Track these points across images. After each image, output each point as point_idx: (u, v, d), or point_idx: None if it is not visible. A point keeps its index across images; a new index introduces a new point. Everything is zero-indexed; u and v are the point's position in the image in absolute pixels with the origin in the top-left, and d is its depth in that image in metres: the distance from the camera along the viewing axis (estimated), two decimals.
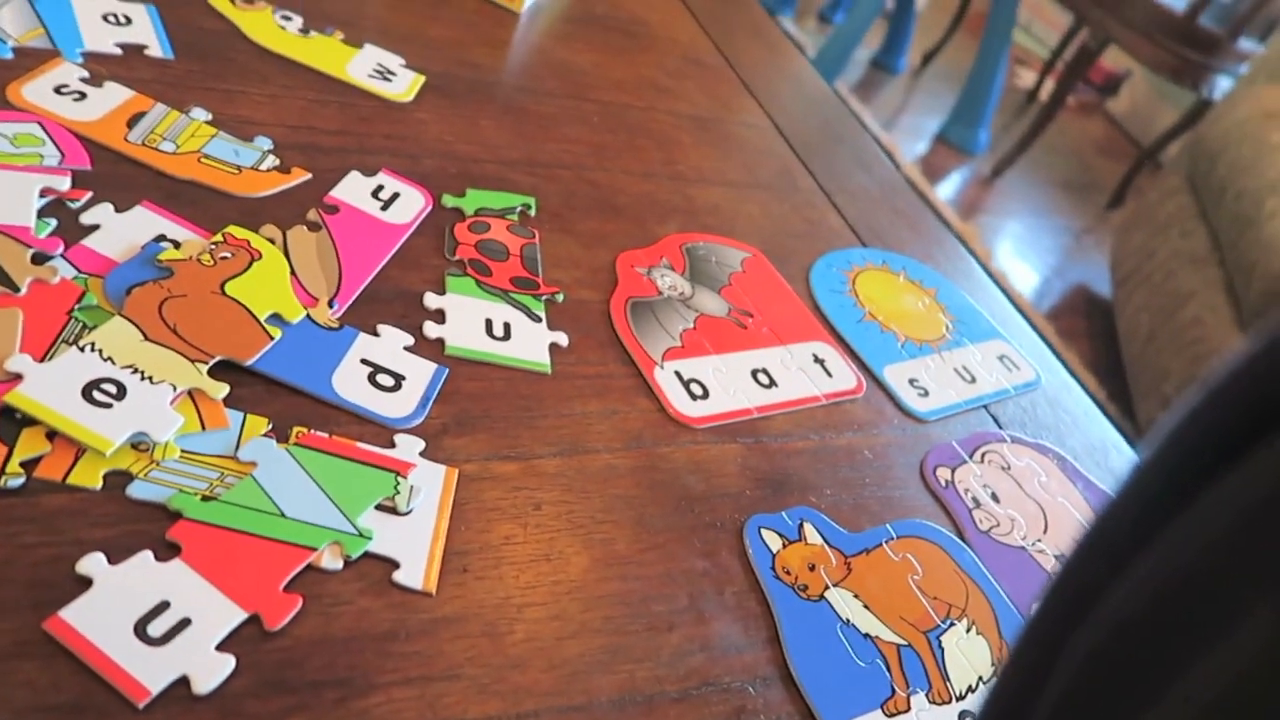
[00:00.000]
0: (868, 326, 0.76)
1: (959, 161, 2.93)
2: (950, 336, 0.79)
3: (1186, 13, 2.49)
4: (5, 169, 0.54)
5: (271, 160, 0.64)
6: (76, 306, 0.49)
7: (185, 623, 0.40)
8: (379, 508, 0.48)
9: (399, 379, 0.55)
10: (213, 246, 0.56)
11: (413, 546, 0.47)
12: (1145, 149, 2.96)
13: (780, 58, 1.12)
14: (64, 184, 0.55)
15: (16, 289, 0.48)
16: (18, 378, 0.45)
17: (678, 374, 0.64)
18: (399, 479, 0.49)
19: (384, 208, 0.65)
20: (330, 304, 0.57)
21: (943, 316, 0.81)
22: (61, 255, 0.52)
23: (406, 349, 0.57)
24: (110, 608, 0.39)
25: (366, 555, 0.46)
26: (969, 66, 2.86)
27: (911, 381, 0.73)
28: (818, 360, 0.70)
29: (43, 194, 0.54)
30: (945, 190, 2.79)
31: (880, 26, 3.22)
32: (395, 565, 0.46)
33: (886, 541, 0.60)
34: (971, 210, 2.76)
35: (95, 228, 0.55)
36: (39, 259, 0.51)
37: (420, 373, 0.56)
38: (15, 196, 0.53)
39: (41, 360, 0.46)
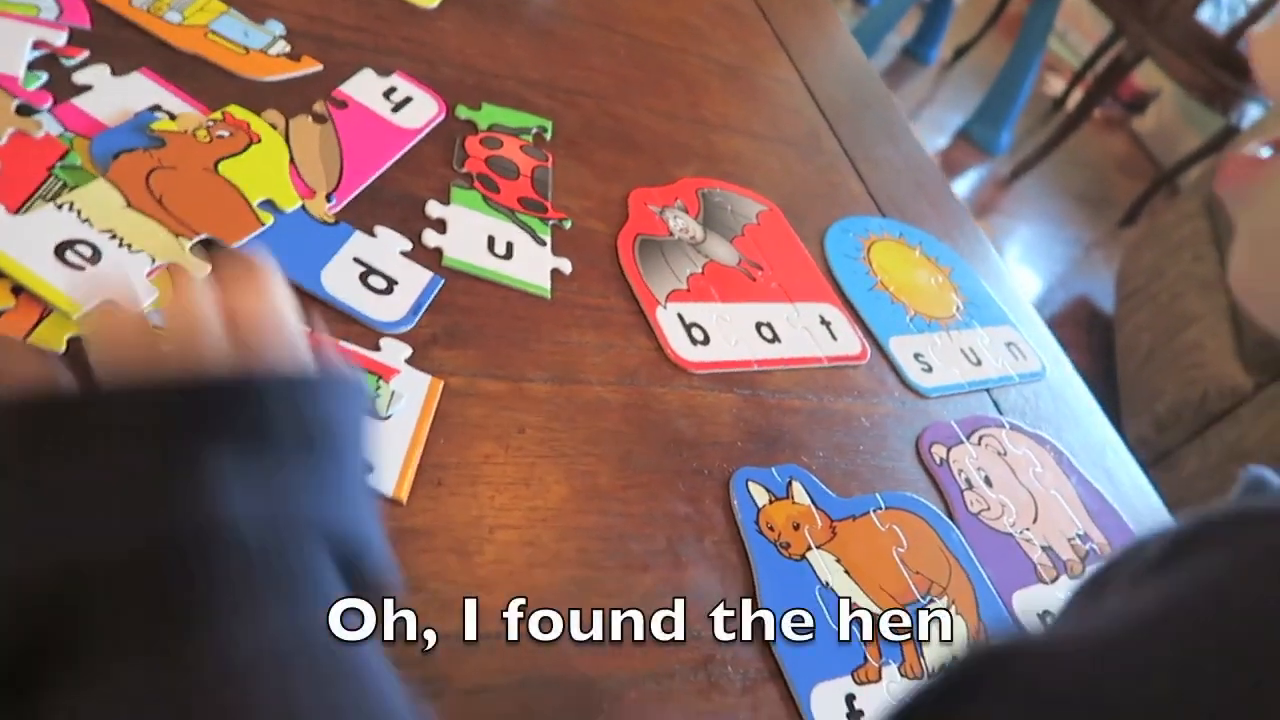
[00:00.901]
0: (878, 296, 0.74)
1: (978, 160, 2.90)
2: (960, 317, 0.77)
3: (1227, 35, 2.45)
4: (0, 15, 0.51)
5: (282, 46, 0.61)
6: (58, 164, 0.47)
7: None
8: None
9: (391, 283, 0.53)
10: (210, 124, 0.53)
11: (387, 452, 0.45)
12: (1165, 170, 2.93)
13: (817, 18, 1.08)
14: (59, 39, 0.52)
15: None
16: None
17: (680, 316, 0.62)
18: (380, 382, 0.47)
19: (395, 110, 0.63)
20: (328, 198, 0.54)
21: (955, 296, 0.79)
22: (49, 110, 0.49)
23: (403, 254, 0.54)
24: None
25: None
26: (1000, 66, 2.82)
27: (916, 356, 0.71)
28: (824, 322, 0.68)
29: (36, 46, 0.51)
30: (961, 187, 2.76)
31: (915, 15, 3.17)
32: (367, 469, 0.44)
33: (874, 510, 0.58)
34: (985, 210, 2.73)
35: (88, 88, 0.52)
36: (24, 110, 0.48)
37: (414, 279, 0.53)
38: (5, 44, 0.50)
39: (15, 213, 0.43)
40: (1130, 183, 3.21)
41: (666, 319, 0.61)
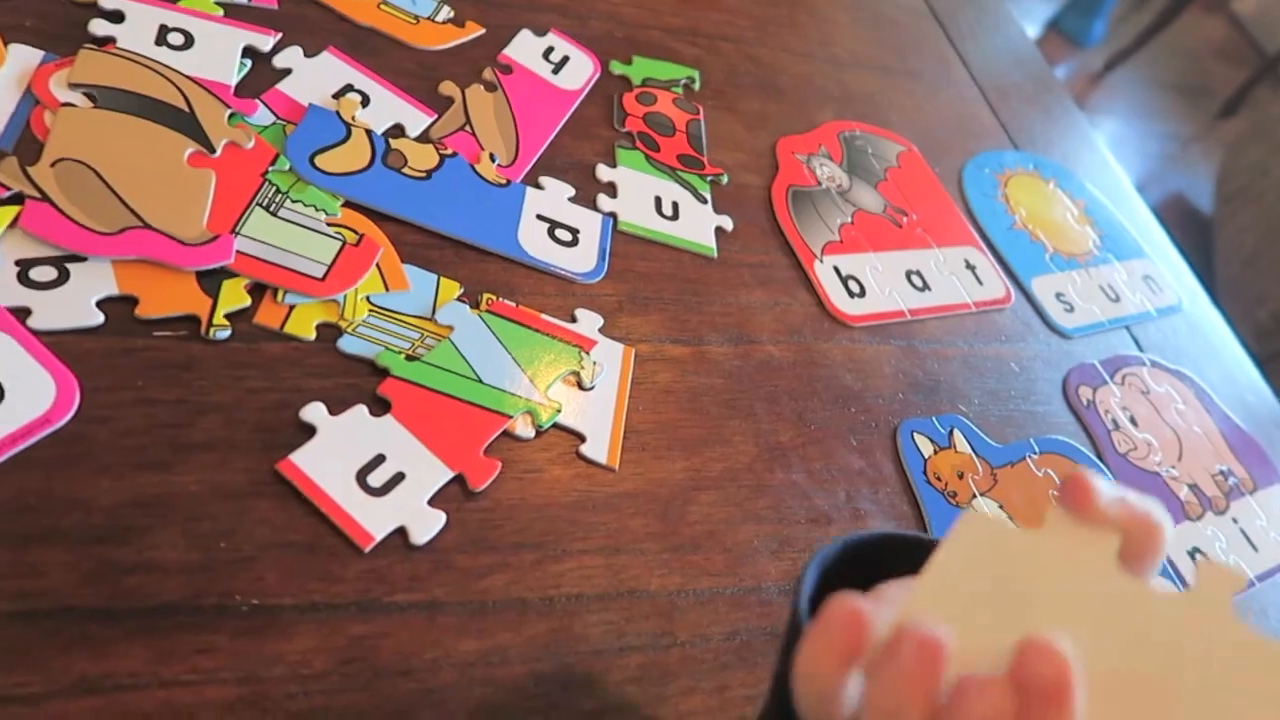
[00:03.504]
0: (1017, 235, 0.75)
1: (1069, 53, 2.78)
2: (1097, 252, 0.78)
3: None
4: (210, 19, 0.53)
5: (446, 11, 0.63)
6: (270, 169, 0.49)
7: (400, 476, 0.42)
8: (563, 380, 0.49)
9: (574, 232, 0.55)
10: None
11: (596, 421, 0.48)
12: (1270, 57, 2.79)
13: None
14: (268, 44, 0.54)
15: (212, 150, 0.48)
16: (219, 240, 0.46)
17: (836, 269, 0.64)
18: (583, 354, 0.50)
19: (555, 71, 0.64)
20: (506, 164, 0.57)
21: (1090, 230, 0.79)
22: (259, 98, 0.52)
23: (570, 200, 0.57)
24: (334, 456, 0.41)
25: (555, 426, 0.47)
26: None
27: (1058, 296, 0.72)
28: (969, 266, 0.69)
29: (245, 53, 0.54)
30: None
31: None
32: (581, 438, 0.48)
33: (1030, 456, 0.60)
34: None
35: (287, 72, 0.54)
36: (233, 118, 0.51)
37: (589, 224, 0.56)
38: (220, 52, 0.52)
39: (235, 227, 0.46)
40: (1230, 70, 3.06)
41: (824, 273, 0.63)
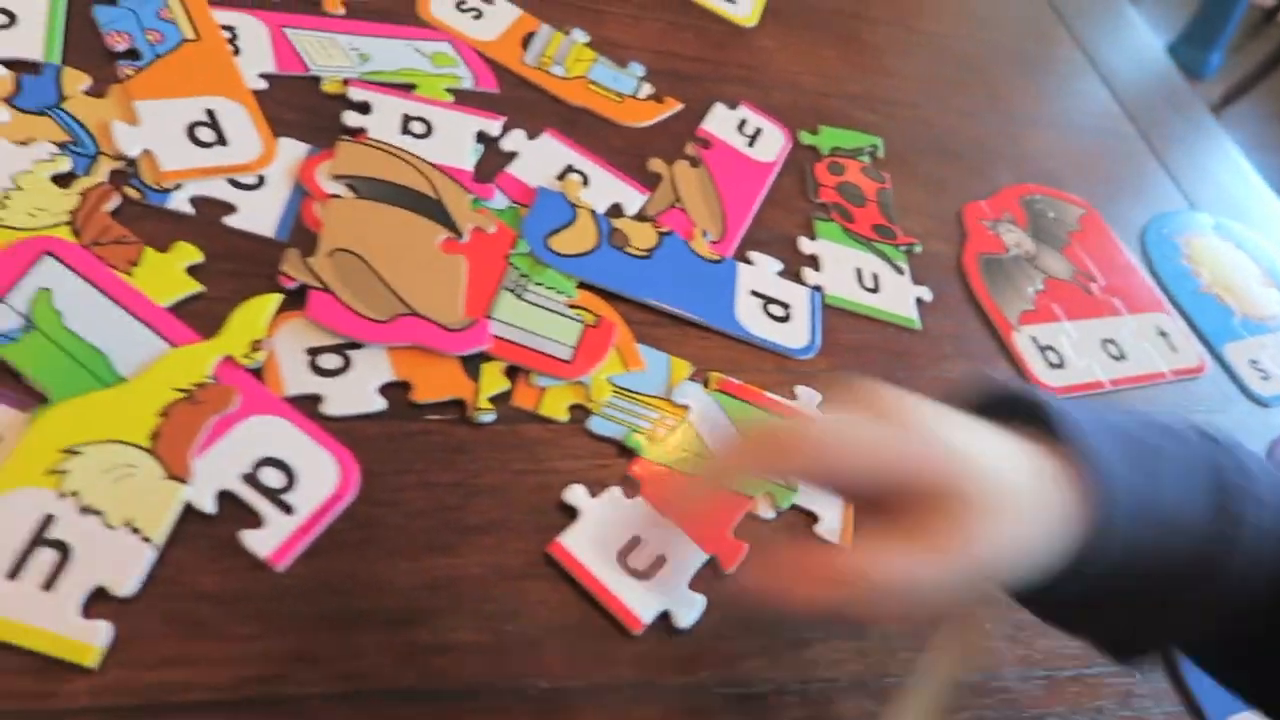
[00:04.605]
0: (1205, 299, 0.74)
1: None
2: None
3: None
4: (444, 107, 0.56)
5: (646, 88, 0.65)
6: (511, 252, 0.52)
7: (659, 560, 0.43)
8: None
9: (786, 307, 0.57)
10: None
11: (826, 501, 0.49)
12: None
13: None
14: (496, 128, 0.57)
15: (460, 235, 0.51)
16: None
17: (1034, 339, 0.63)
18: None
19: (750, 143, 0.66)
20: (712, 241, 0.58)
21: (1276, 292, 0.78)
22: (493, 182, 0.54)
23: (778, 274, 0.58)
24: (597, 538, 0.43)
25: (792, 506, 0.48)
26: None
27: (1252, 363, 0.70)
28: (1161, 333, 0.69)
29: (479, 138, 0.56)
30: None
31: None
32: (815, 518, 0.48)
33: None
34: None
35: (514, 155, 0.57)
36: (475, 203, 0.53)
37: (799, 299, 0.58)
38: (455, 138, 0.55)
39: (488, 311, 0.48)
40: None
41: (1023, 343, 0.63)
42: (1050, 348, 0.63)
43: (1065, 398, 0.55)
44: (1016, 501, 0.32)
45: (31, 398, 0.38)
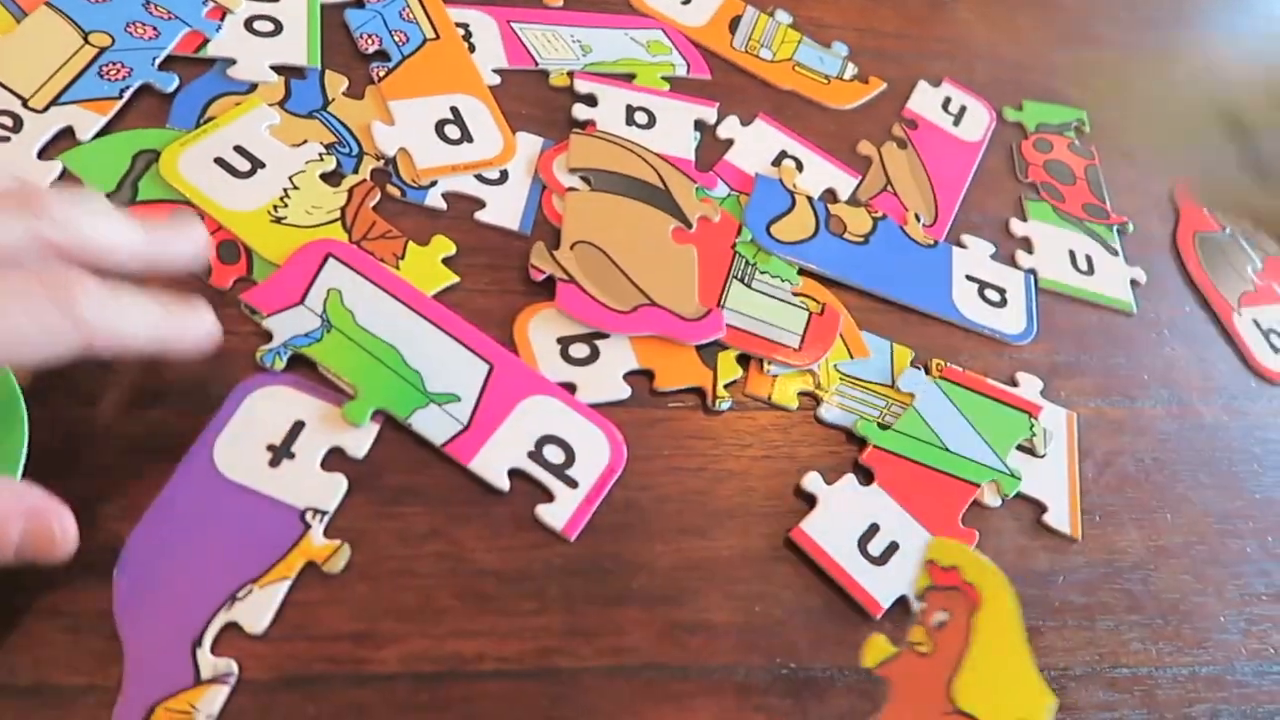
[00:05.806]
0: None
1: None
2: None
3: None
4: (662, 95, 0.58)
5: (851, 68, 0.65)
6: (737, 241, 0.53)
7: (895, 546, 0.45)
8: (1018, 448, 0.50)
9: (1001, 292, 0.57)
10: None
11: (1054, 489, 0.50)
12: None
13: None
14: (712, 116, 0.58)
15: (689, 225, 0.52)
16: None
17: (1256, 322, 0.61)
18: (1033, 421, 0.51)
19: (955, 122, 0.65)
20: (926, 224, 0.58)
21: None
22: (714, 170, 0.56)
23: (991, 258, 0.58)
24: (836, 524, 0.45)
25: (1017, 495, 0.49)
26: None
27: None
28: None
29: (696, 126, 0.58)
30: None
31: None
32: (1042, 508, 0.49)
33: None
34: None
35: (730, 143, 0.58)
36: (699, 192, 0.54)
37: (1014, 283, 0.57)
38: (676, 127, 0.56)
39: (720, 300, 0.50)
40: None
41: (1244, 326, 0.61)
42: (1273, 330, 0.61)
43: None
44: None
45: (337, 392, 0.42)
